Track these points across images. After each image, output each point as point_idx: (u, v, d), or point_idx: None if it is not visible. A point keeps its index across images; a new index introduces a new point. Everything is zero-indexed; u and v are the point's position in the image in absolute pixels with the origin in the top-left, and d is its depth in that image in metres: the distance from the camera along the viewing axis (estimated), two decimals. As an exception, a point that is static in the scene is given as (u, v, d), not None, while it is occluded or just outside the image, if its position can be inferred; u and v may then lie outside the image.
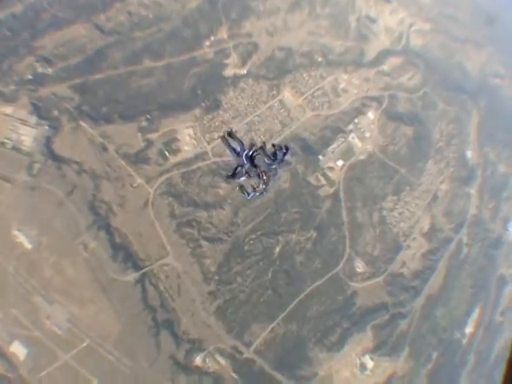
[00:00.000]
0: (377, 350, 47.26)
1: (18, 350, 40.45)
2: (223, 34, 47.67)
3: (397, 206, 49.67)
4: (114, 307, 41.73)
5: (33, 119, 44.97)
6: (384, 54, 52.72)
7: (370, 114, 49.52)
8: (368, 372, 45.93)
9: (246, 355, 43.73)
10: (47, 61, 45.98)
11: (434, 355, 48.62)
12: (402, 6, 56.32)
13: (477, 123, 58.76)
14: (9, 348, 40.18)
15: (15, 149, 44.01)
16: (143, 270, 42.88)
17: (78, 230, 42.43)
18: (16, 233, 42.10)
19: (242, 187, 18.89)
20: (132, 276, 42.70)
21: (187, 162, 44.68)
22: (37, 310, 40.97)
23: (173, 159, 44.57)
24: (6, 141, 44.73)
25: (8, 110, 45.46)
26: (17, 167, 43.84)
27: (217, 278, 44.18)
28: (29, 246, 41.85)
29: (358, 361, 46.27)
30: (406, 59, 53.82)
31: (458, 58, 60.05)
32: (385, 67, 52.21)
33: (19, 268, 41.27)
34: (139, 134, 44.33)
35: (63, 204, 42.88)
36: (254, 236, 44.61)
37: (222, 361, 43.19)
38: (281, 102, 46.69)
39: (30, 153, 44.21)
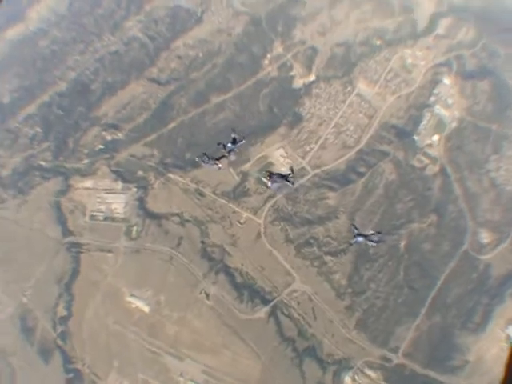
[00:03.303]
0: (519, 317, 43.95)
1: (155, 416, 38.76)
2: (278, 48, 46.77)
3: (501, 164, 47.00)
4: (250, 348, 40.40)
5: (118, 185, 44.75)
6: (434, 19, 50.90)
7: (446, 81, 47.47)
8: (515, 338, 42.54)
9: (395, 361, 41.37)
10: (114, 126, 45.77)
11: None
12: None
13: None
14: (144, 415, 38.68)
15: (108, 218, 43.99)
16: (272, 303, 41.44)
17: (195, 279, 41.67)
18: (129, 299, 41.89)
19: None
20: (262, 311, 41.33)
21: (288, 182, 42.81)
22: (167, 369, 40.29)
23: (273, 184, 42.83)
24: (95, 213, 44.48)
25: (88, 183, 45.46)
26: (114, 235, 43.73)
27: (350, 290, 42.21)
28: (146, 308, 41.42)
29: (503, 334, 43.16)
30: (455, 16, 51.79)
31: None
32: (440, 31, 50.33)
33: (140, 333, 40.83)
34: (231, 169, 43.06)
35: (173, 258, 42.28)
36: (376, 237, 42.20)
37: (372, 374, 40.99)
38: (358, 95, 45.26)
39: (124, 218, 44.03)
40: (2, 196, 47.89)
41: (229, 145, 25.37)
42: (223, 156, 26.10)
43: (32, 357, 41.81)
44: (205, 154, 26.05)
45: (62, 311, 42.93)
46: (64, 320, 42.60)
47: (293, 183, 27.09)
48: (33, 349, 41.91)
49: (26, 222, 45.79)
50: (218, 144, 25.99)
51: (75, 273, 43.31)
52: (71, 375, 41.00)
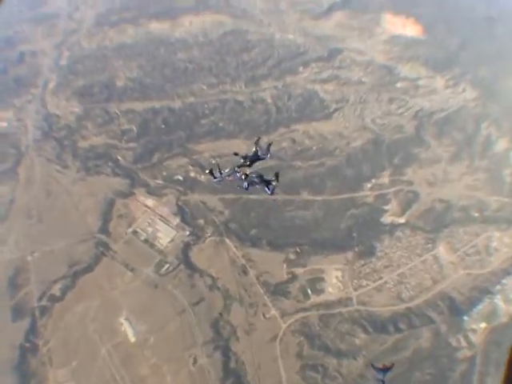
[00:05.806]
0: None
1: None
2: (385, 178, 46.85)
3: (524, 373, 46.80)
4: (202, 431, 39.31)
5: (175, 220, 45.33)
6: (534, 208, 50.22)
7: (517, 276, 47.23)
8: None
9: None
10: (202, 168, 46.33)
11: None
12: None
13: None
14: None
15: (147, 242, 44.48)
16: (250, 404, 40.48)
17: (192, 342, 41.50)
18: (122, 321, 42.17)
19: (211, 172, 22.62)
20: (234, 406, 40.42)
21: (328, 305, 43.30)
22: (116, 400, 39.59)
23: (314, 299, 43.38)
24: (139, 231, 45.30)
25: (149, 202, 46.18)
26: (145, 260, 44.29)
27: (325, 432, 42.01)
28: (132, 338, 41.52)
29: None
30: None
31: None
32: (534, 227, 49.71)
33: (113, 355, 40.91)
34: (284, 266, 43.77)
35: (185, 312, 42.49)
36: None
37: None
38: (434, 256, 45.22)
39: (162, 251, 44.50)
40: (68, 162, 49.23)
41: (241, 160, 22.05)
42: (244, 165, 22.02)
43: (2, 305, 42.89)
44: (218, 165, 22.43)
45: (56, 290, 43.64)
46: (53, 299, 43.32)
47: (272, 192, 22.40)
48: (9, 302, 42.99)
49: (75, 198, 46.92)
50: (236, 154, 22.45)
51: (89, 268, 44.13)
52: (28, 345, 41.37)
